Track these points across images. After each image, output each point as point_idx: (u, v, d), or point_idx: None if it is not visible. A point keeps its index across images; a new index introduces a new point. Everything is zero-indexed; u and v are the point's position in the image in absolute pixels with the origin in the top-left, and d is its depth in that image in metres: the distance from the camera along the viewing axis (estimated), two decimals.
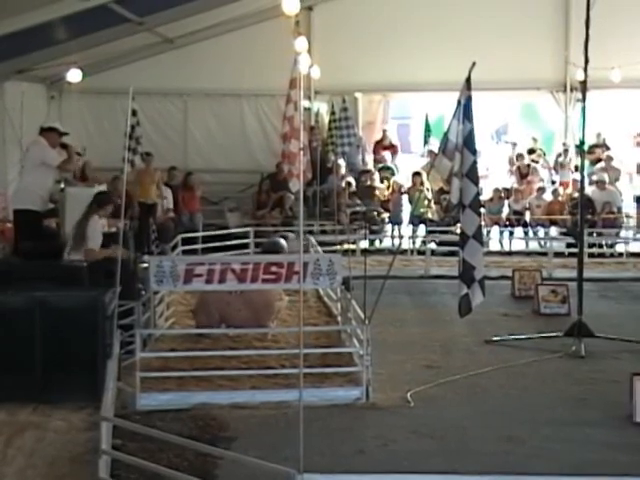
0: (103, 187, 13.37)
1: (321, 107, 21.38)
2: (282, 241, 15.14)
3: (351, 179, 20.23)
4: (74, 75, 17.23)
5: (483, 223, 12.78)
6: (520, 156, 21.29)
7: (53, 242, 11.98)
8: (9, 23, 13.58)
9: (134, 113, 16.01)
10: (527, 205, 19.97)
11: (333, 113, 20.48)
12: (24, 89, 17.36)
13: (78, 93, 19.58)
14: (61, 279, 10.08)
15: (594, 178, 19.75)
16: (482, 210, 13.39)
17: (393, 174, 21.04)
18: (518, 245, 19.49)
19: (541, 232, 19.61)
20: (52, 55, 16.75)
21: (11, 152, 16.84)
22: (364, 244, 17.54)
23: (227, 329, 11.24)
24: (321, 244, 16.21)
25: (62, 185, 13.29)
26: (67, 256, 11.31)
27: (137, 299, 10.73)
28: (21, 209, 12.32)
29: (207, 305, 11.48)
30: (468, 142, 9.93)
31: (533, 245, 19.56)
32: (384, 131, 22.01)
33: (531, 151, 21.63)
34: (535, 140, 21.98)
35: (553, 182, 21.07)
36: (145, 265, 10.41)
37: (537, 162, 21.29)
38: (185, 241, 16.30)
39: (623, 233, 19.46)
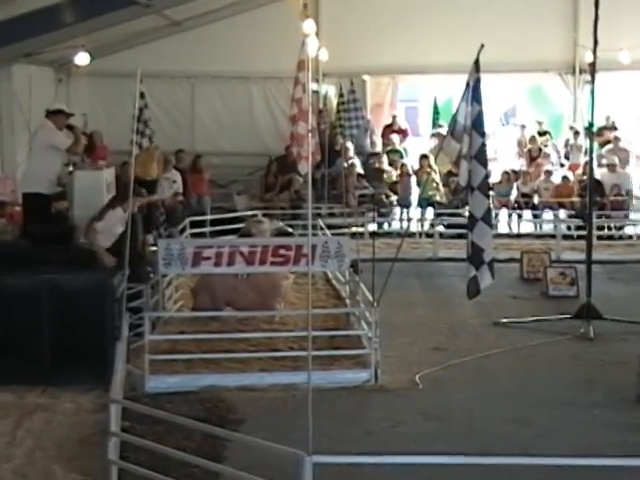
0: (112, 170, 13.34)
1: (329, 90, 21.28)
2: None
3: (356, 161, 20.15)
4: (82, 58, 17.21)
5: (492, 205, 12.75)
6: (533, 139, 21.19)
7: (62, 225, 11.97)
8: (16, 6, 13.56)
9: (142, 96, 15.95)
10: (536, 187, 19.90)
11: (341, 95, 20.42)
12: (32, 72, 17.32)
13: (86, 76, 19.56)
14: (70, 262, 10.10)
15: (603, 161, 19.69)
16: (491, 192, 13.36)
17: (402, 157, 20.98)
18: (527, 227, 19.45)
19: (550, 214, 19.54)
20: (60, 38, 16.69)
21: (19, 135, 16.82)
22: (372, 227, 17.50)
23: (235, 312, 11.22)
24: (329, 227, 16.19)
25: (70, 168, 13.26)
26: (79, 240, 11.30)
27: (146, 282, 10.75)
28: (30, 192, 12.29)
29: (212, 289, 11.42)
30: (477, 124, 9.92)
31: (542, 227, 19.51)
32: (394, 117, 21.87)
33: (542, 133, 21.52)
34: (540, 123, 21.86)
35: (562, 165, 20.99)
36: (154, 248, 10.40)
37: (546, 145, 21.18)
38: (193, 224, 16.29)
39: (632, 215, 19.38)
